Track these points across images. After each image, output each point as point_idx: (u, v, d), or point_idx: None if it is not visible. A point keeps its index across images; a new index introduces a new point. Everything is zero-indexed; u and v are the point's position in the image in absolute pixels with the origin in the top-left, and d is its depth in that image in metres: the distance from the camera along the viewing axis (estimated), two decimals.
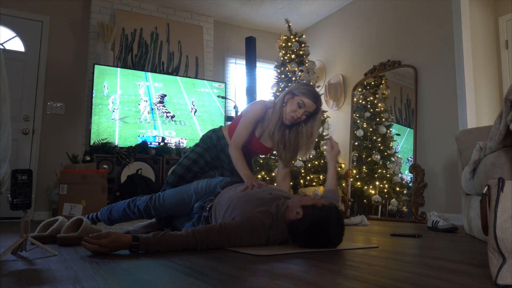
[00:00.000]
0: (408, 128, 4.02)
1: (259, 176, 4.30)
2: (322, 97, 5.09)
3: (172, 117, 4.43)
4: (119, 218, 2.29)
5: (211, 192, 2.11)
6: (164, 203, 2.19)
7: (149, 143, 4.19)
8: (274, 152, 2.55)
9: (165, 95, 4.44)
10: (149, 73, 4.45)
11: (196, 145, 2.48)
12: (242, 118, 2.30)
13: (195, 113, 4.57)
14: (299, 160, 4.27)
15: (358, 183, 4.34)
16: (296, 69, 4.70)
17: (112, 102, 4.15)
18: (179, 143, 4.39)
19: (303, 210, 1.66)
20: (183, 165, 2.38)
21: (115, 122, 4.13)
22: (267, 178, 4.28)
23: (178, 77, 4.61)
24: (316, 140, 4.45)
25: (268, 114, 2.29)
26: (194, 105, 4.57)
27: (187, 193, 2.16)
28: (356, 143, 4.53)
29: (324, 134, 4.62)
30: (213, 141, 2.43)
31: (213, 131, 2.49)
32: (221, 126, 2.51)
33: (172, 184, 2.34)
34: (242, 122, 2.27)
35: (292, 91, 2.22)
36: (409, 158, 3.97)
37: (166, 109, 4.41)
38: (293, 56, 4.73)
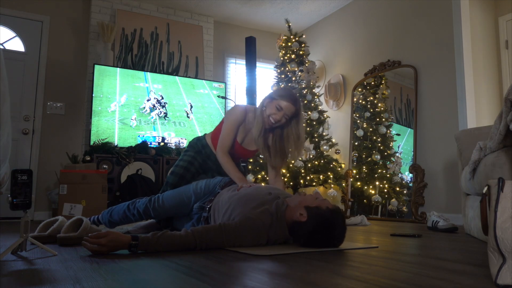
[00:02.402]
0: (408, 128, 4.02)
1: (259, 176, 4.30)
2: (322, 97, 5.09)
3: (170, 118, 4.43)
4: (120, 220, 2.31)
5: (210, 192, 2.12)
6: (164, 205, 2.20)
7: (149, 143, 4.19)
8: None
9: (164, 97, 4.44)
10: (148, 74, 4.44)
11: (187, 150, 2.56)
12: (224, 124, 2.33)
13: (194, 115, 4.56)
14: (299, 160, 4.27)
15: (358, 183, 4.34)
16: (296, 69, 4.70)
17: (115, 106, 4.16)
18: (179, 143, 4.39)
19: (307, 211, 1.66)
20: (180, 166, 2.44)
21: (114, 124, 4.12)
22: (267, 178, 4.27)
23: (177, 77, 4.61)
24: (316, 140, 4.48)
25: (248, 118, 2.31)
26: (192, 107, 4.56)
27: (186, 194, 2.16)
28: (356, 143, 4.53)
29: (324, 134, 4.62)
30: (198, 147, 2.51)
31: (197, 139, 2.57)
32: (204, 134, 2.58)
33: (172, 184, 2.37)
34: (224, 127, 2.31)
35: (271, 95, 2.24)
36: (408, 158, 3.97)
37: (165, 111, 4.41)
38: (293, 56, 4.73)
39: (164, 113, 4.40)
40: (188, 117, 4.52)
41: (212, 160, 2.48)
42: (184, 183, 2.35)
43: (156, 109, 4.36)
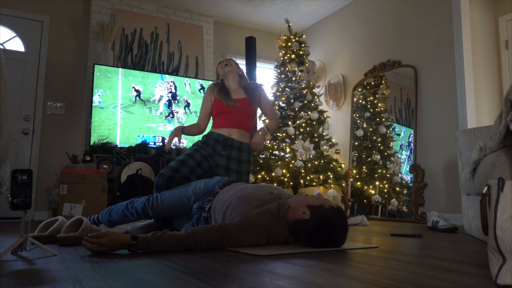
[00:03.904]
0: (404, 127, 4.02)
1: (259, 176, 4.30)
2: (322, 97, 5.10)
3: (186, 108, 4.45)
4: (119, 220, 2.30)
5: (209, 192, 2.11)
6: (162, 204, 2.19)
7: (149, 143, 4.19)
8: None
9: (174, 93, 4.44)
10: (160, 73, 4.44)
11: (188, 149, 2.61)
12: None
13: (195, 114, 4.56)
14: (299, 160, 4.27)
15: (358, 183, 4.34)
16: (296, 69, 4.70)
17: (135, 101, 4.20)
18: (178, 143, 4.38)
19: (310, 210, 1.67)
20: (170, 167, 2.39)
21: (116, 114, 4.12)
22: (267, 178, 4.28)
23: (183, 78, 4.61)
24: (316, 140, 4.48)
25: (216, 87, 2.79)
26: (191, 105, 4.56)
27: (185, 194, 2.16)
28: (356, 143, 4.53)
29: (324, 134, 4.62)
30: (198, 144, 2.56)
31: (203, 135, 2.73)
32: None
33: (161, 187, 2.33)
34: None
35: (216, 70, 2.85)
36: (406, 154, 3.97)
37: (175, 109, 4.42)
38: (293, 56, 4.73)
39: (182, 111, 4.44)
40: (194, 113, 4.56)
41: (220, 143, 2.54)
42: (174, 185, 2.32)
43: (170, 97, 4.37)
